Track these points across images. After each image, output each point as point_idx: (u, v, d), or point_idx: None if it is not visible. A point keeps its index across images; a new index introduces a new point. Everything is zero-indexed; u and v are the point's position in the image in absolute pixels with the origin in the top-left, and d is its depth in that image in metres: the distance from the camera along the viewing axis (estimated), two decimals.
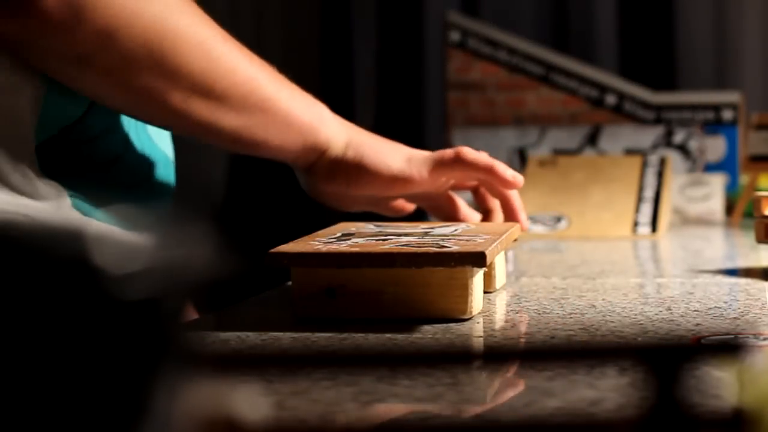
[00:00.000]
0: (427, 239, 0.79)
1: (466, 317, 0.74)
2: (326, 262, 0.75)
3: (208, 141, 0.88)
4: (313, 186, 0.96)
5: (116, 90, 0.81)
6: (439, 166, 0.96)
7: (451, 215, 1.02)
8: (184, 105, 0.83)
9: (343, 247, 0.77)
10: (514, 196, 1.00)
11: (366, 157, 0.95)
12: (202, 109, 0.84)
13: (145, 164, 0.90)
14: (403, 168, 0.96)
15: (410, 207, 1.04)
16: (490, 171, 0.97)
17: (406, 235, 0.82)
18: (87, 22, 0.77)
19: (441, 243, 0.77)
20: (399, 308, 0.74)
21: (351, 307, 0.74)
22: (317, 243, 0.79)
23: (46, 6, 0.76)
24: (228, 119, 0.85)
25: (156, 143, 0.92)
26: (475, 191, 1.02)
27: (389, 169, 0.95)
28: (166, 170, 0.93)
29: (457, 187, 1.02)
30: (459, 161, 0.97)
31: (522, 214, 1.00)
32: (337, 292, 0.75)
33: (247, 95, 0.86)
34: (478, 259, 0.73)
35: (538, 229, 1.38)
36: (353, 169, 0.95)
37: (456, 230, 0.85)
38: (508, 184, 0.98)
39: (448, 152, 0.97)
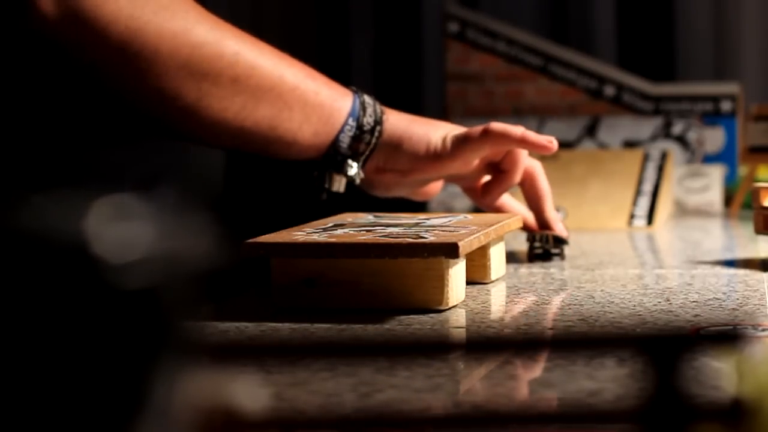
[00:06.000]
0: (413, 230, 0.79)
1: (442, 308, 0.74)
2: (302, 253, 0.75)
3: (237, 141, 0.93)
4: None
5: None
6: (468, 143, 0.95)
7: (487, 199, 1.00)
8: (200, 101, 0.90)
9: (323, 237, 0.77)
10: (541, 190, 0.99)
11: (402, 136, 0.96)
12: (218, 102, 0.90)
13: None
14: (437, 146, 0.96)
15: (437, 189, 1.04)
16: (522, 140, 0.95)
17: (397, 225, 0.82)
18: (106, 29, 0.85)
19: (421, 234, 0.77)
20: (376, 299, 0.74)
21: (329, 297, 0.74)
22: (299, 234, 0.79)
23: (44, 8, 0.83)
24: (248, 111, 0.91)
25: None
26: (522, 185, 1.00)
27: (424, 149, 0.96)
28: None
29: (493, 163, 0.99)
30: (488, 135, 0.95)
31: (547, 203, 0.99)
32: (315, 282, 0.75)
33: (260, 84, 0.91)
34: (451, 250, 0.73)
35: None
36: (387, 148, 0.96)
37: (449, 221, 0.85)
38: (544, 149, 0.95)
39: (476, 128, 0.96)
